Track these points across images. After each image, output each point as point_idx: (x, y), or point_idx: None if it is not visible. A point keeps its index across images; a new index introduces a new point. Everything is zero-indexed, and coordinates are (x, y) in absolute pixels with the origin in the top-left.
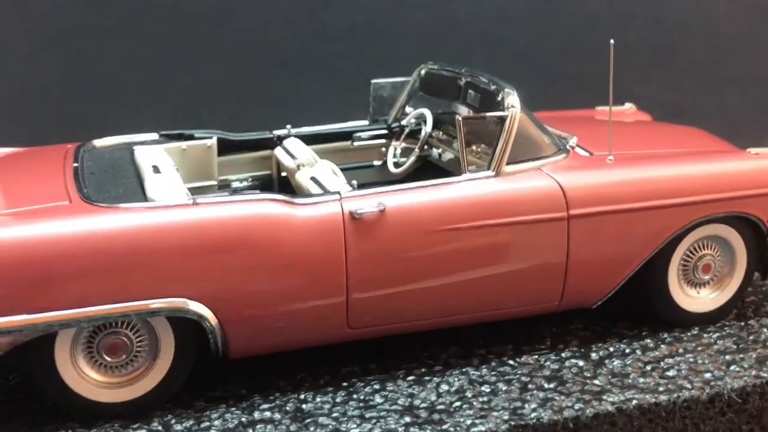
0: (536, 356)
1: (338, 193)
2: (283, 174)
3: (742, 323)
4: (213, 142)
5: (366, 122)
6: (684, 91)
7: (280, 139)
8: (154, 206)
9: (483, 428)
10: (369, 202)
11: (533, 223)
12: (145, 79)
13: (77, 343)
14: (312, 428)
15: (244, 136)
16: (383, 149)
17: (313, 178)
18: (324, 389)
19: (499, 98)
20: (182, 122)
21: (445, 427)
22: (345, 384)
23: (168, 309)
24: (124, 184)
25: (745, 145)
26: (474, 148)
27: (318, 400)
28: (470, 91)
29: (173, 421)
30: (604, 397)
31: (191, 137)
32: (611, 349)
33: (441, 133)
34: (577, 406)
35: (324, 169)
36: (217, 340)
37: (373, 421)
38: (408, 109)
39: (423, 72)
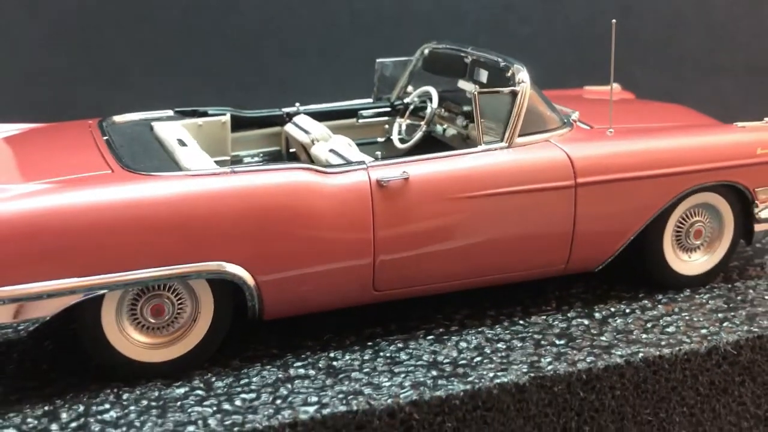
0: (544, 317)
1: (364, 162)
2: (292, 150)
3: (729, 285)
4: (227, 118)
5: (370, 100)
6: (681, 78)
7: (289, 116)
8: (195, 174)
9: (505, 380)
10: (394, 170)
11: (544, 191)
12: (151, 63)
13: (122, 306)
14: (346, 382)
15: (255, 113)
16: (386, 126)
17: (332, 150)
18: (351, 348)
19: (508, 74)
20: (187, 105)
21: (470, 379)
22: (370, 344)
23: (209, 271)
24: (155, 155)
25: None
26: (483, 122)
27: (347, 357)
28: (477, 68)
29: (213, 379)
30: (612, 351)
31: (205, 114)
32: (612, 310)
33: (443, 110)
34: (588, 359)
35: (341, 142)
36: (255, 301)
37: (402, 375)
38: (409, 88)
39: (426, 51)
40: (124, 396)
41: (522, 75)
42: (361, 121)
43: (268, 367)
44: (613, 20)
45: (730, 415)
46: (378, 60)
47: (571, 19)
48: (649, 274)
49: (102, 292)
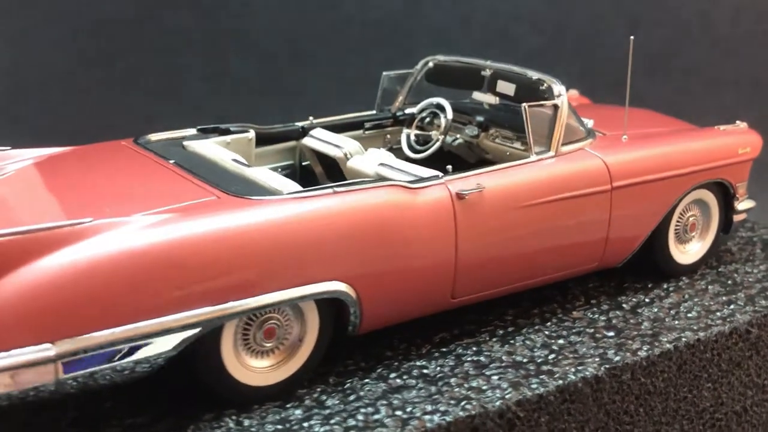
0: (582, 311)
1: (437, 176)
2: (305, 163)
3: (715, 271)
4: (252, 135)
5: (373, 112)
6: (686, 91)
7: (304, 130)
8: (301, 197)
9: (587, 373)
10: (469, 183)
11: (589, 196)
12: (167, 69)
13: (238, 333)
14: (448, 389)
15: (272, 129)
16: (387, 136)
17: (383, 164)
18: (432, 355)
19: (543, 87)
20: (202, 111)
21: (556, 376)
22: (445, 349)
23: (326, 292)
24: (232, 178)
25: None
26: (509, 133)
27: (434, 365)
28: (499, 80)
29: (323, 397)
30: (659, 338)
31: (227, 131)
32: (635, 300)
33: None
34: (644, 348)
35: (385, 156)
36: (357, 316)
37: (495, 377)
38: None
39: (431, 64)
40: (246, 422)
41: (560, 88)
42: (367, 132)
43: (366, 380)
44: (632, 37)
45: (741, 386)
46: (384, 73)
47: (579, 32)
48: (656, 265)
49: (232, 320)
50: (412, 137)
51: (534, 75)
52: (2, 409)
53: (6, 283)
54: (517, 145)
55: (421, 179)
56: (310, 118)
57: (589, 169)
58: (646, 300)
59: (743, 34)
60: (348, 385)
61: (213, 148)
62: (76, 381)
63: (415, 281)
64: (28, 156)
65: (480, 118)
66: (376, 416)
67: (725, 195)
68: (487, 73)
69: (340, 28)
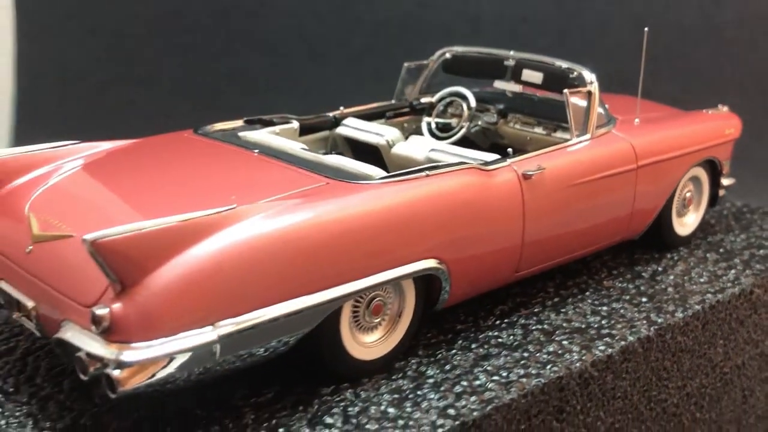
0: (611, 281)
1: (504, 159)
2: (337, 152)
3: (706, 241)
4: (297, 125)
5: (393, 101)
6: (690, 91)
7: (336, 120)
8: (401, 180)
9: (640, 335)
10: (531, 164)
11: (622, 174)
12: (182, 66)
13: (350, 310)
14: (528, 354)
15: (308, 119)
16: (404, 125)
17: (435, 150)
18: (500, 326)
19: (573, 75)
20: (217, 107)
21: (616, 338)
22: (508, 321)
23: (429, 269)
24: (316, 164)
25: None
26: (531, 119)
27: (506, 334)
28: (524, 70)
29: (422, 368)
30: (688, 303)
31: (271, 122)
32: (650, 270)
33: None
34: (679, 310)
35: (430, 142)
36: (447, 291)
37: (564, 342)
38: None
39: (448, 55)
40: (363, 394)
41: (591, 76)
42: (387, 121)
43: (453, 351)
44: (645, 28)
45: (742, 342)
46: (405, 64)
47: (585, 32)
48: (660, 237)
49: (351, 299)
50: (434, 125)
51: (563, 64)
52: (164, 392)
53: (165, 271)
54: (539, 130)
55: (493, 162)
56: (341, 108)
57: (621, 149)
58: (660, 269)
59: (749, 36)
60: (439, 356)
61: (275, 139)
62: (233, 362)
63: (492, 257)
64: (98, 149)
65: (500, 106)
66: (478, 382)
67: (714, 172)
68: (510, 62)
69: (351, 28)
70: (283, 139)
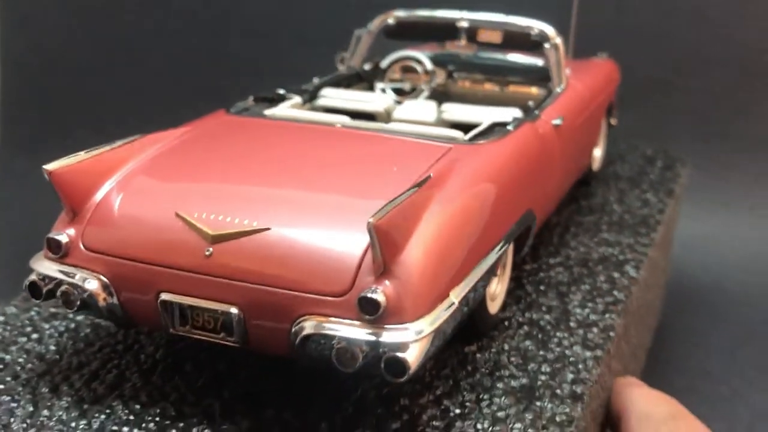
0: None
1: (536, 114)
2: None
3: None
4: (299, 99)
5: (342, 71)
6: (676, 70)
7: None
8: (498, 138)
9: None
10: (555, 116)
11: (590, 112)
12: (169, 51)
13: None
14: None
15: (292, 92)
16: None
17: (449, 111)
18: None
19: (534, 32)
20: (203, 90)
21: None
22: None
23: (530, 218)
24: (401, 133)
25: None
26: (480, 77)
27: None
28: (481, 30)
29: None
30: None
31: (282, 97)
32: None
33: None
34: None
35: (432, 105)
36: (532, 239)
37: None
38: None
39: (391, 21)
40: (493, 348)
41: (552, 30)
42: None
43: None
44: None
45: None
46: (356, 31)
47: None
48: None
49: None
50: (387, 90)
51: (521, 21)
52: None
53: (414, 245)
54: (489, 86)
55: (532, 116)
56: (315, 79)
57: (588, 92)
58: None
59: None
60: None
61: (315, 114)
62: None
63: (549, 202)
64: (161, 141)
65: (451, 67)
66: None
67: (609, 110)
68: (464, 24)
69: (340, 10)
70: (326, 114)
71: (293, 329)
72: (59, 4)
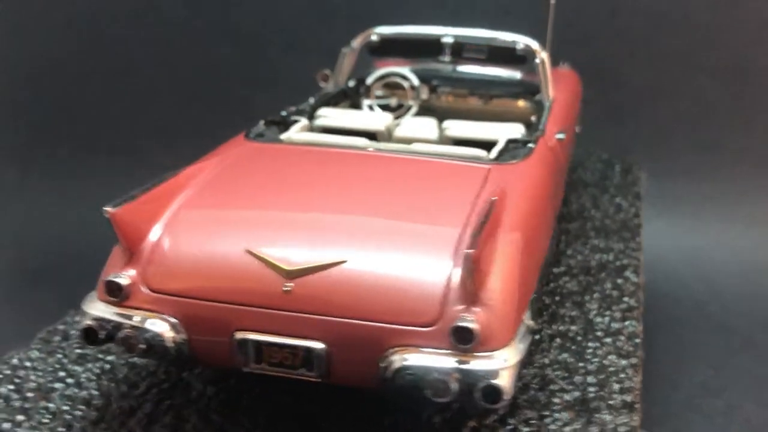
0: None
1: (542, 130)
2: None
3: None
4: (306, 122)
5: (329, 90)
6: (666, 74)
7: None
8: (526, 156)
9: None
10: (554, 131)
11: (572, 121)
12: (160, 59)
13: None
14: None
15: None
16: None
17: (450, 128)
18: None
19: (520, 47)
20: (197, 100)
21: None
22: None
23: (560, 234)
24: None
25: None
26: (463, 91)
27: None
28: (468, 46)
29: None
30: None
31: (292, 121)
32: None
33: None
34: None
35: (432, 122)
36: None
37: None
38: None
39: (374, 37)
40: (535, 363)
41: (537, 45)
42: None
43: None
44: (552, 1)
45: None
46: (343, 49)
47: (562, 21)
48: None
49: None
50: (374, 107)
51: (506, 36)
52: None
53: (495, 267)
54: (473, 100)
55: (540, 131)
56: (310, 99)
57: (566, 103)
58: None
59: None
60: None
61: (335, 138)
62: None
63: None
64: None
65: (434, 82)
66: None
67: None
68: (448, 40)
69: (328, 18)
70: (354, 138)
71: (382, 362)
72: (50, 15)
